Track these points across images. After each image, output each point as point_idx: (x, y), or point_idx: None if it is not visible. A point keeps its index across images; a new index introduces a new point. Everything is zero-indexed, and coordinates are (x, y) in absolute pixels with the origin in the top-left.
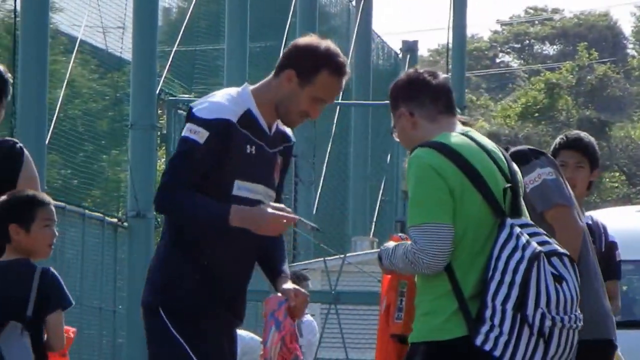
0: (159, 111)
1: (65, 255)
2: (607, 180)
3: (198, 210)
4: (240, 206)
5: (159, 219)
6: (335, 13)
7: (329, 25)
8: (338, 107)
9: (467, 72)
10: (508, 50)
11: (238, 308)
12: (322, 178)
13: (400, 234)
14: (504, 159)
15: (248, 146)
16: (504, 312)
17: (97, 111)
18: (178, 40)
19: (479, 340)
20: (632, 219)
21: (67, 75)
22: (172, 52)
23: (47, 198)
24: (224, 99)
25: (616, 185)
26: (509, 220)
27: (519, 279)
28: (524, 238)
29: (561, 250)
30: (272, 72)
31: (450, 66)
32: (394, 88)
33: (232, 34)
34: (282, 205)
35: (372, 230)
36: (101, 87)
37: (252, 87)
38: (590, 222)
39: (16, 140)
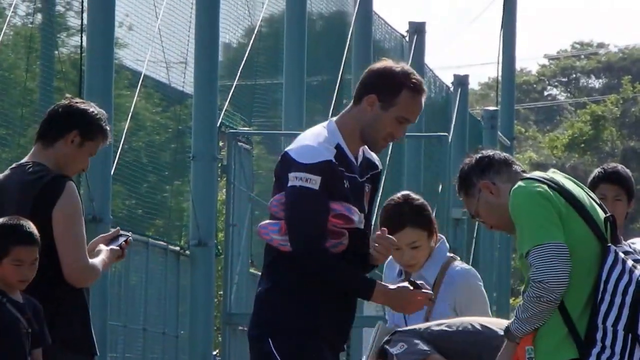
0: (220, 143)
1: (130, 281)
2: None
3: (344, 277)
4: (383, 285)
5: (219, 247)
6: (389, 48)
7: None
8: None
9: (516, 104)
10: (555, 83)
11: (341, 344)
12: (376, 208)
13: None
14: (590, 193)
15: (345, 181)
16: (615, 333)
17: (160, 143)
18: (238, 75)
19: None
20: None
21: (132, 108)
22: (233, 86)
23: (33, 238)
24: (316, 141)
25: None
26: (612, 247)
27: (629, 300)
28: (630, 262)
29: None
30: (351, 103)
31: (500, 99)
32: (463, 174)
33: (290, 69)
34: (421, 282)
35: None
36: (164, 120)
37: (335, 119)
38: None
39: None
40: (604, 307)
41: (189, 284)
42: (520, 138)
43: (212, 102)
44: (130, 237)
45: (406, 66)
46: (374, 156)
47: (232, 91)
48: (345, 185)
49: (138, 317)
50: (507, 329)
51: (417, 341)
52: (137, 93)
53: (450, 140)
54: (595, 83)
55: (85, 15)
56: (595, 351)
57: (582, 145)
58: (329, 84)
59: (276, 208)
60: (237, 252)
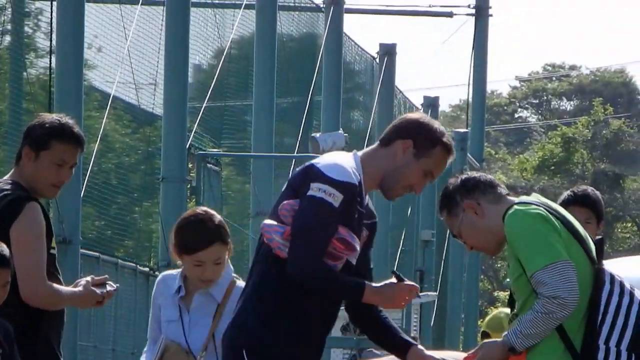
0: (189, 165)
1: None
2: (619, 230)
3: (339, 283)
4: (371, 284)
5: None
6: (360, 70)
7: (353, 82)
8: None
9: (487, 126)
10: (526, 105)
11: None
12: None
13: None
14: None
15: (357, 212)
16: (618, 353)
17: (130, 165)
18: (208, 96)
19: None
20: None
21: (101, 130)
22: (202, 108)
23: (5, 260)
24: (348, 163)
25: (628, 235)
26: (606, 269)
27: (632, 321)
28: (628, 284)
29: None
30: (377, 143)
31: (470, 121)
32: (446, 194)
33: (259, 91)
34: (406, 284)
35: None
36: (133, 141)
37: (359, 153)
38: None
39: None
40: (605, 329)
41: None
42: (490, 160)
43: (181, 123)
44: (115, 290)
45: (441, 125)
46: (372, 206)
47: (201, 113)
48: (356, 216)
49: (108, 338)
50: (508, 342)
51: None
52: (106, 114)
53: None
54: (567, 105)
55: (54, 36)
56: None
57: (552, 167)
58: (298, 106)
59: (287, 213)
60: None
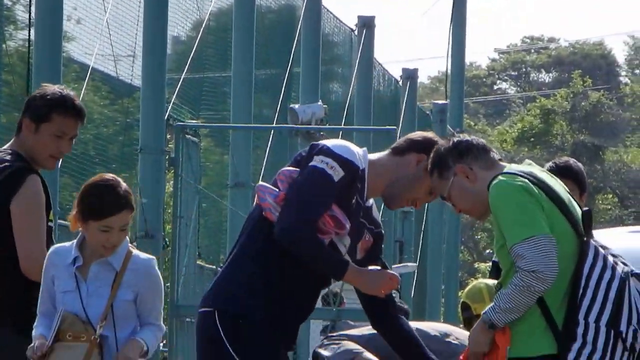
0: (168, 136)
1: None
2: (600, 202)
3: (324, 254)
4: (355, 266)
5: (167, 239)
6: (338, 42)
7: (332, 54)
8: (340, 132)
9: (466, 98)
10: (505, 77)
11: (294, 339)
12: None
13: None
14: (564, 186)
15: (354, 199)
16: (597, 328)
17: (108, 136)
18: (186, 68)
19: (571, 357)
20: (623, 239)
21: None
22: (181, 79)
23: None
24: (355, 148)
25: (609, 207)
26: (592, 242)
27: (612, 296)
28: (611, 258)
29: (638, 271)
30: (389, 151)
31: (449, 92)
32: (438, 156)
33: (238, 62)
34: (390, 272)
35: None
36: (112, 112)
37: (369, 155)
38: None
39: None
40: (586, 303)
41: None
42: (470, 131)
43: (160, 95)
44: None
45: None
46: (378, 218)
47: (180, 84)
48: (353, 202)
49: None
50: (488, 319)
51: (348, 342)
52: (85, 86)
53: (398, 133)
54: (546, 77)
55: (33, 8)
56: (576, 346)
57: (532, 139)
58: (277, 78)
59: (284, 178)
60: (185, 245)
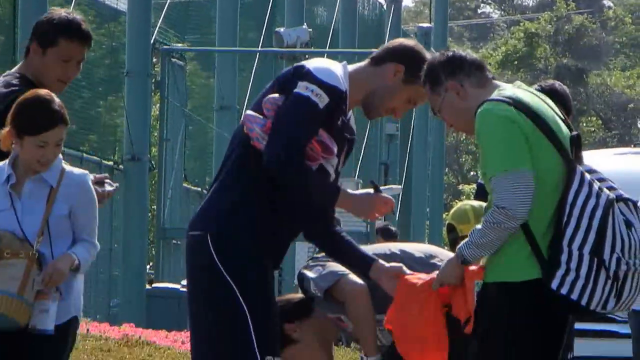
0: (154, 60)
1: None
2: (584, 125)
3: (314, 182)
4: (347, 190)
5: (153, 162)
6: None
7: None
8: (325, 56)
9: (450, 22)
10: (489, 1)
11: (282, 258)
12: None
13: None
14: (555, 107)
15: (341, 118)
16: (580, 256)
17: (95, 60)
18: None
19: (554, 284)
20: (609, 161)
21: None
22: (167, 3)
23: None
24: (337, 70)
25: (593, 129)
26: (579, 168)
27: (595, 224)
28: (596, 185)
29: (626, 196)
30: (367, 61)
31: (433, 16)
32: (431, 69)
33: None
34: (383, 195)
35: (357, 172)
36: (98, 37)
37: (349, 67)
38: None
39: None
40: (569, 230)
41: (122, 198)
42: None
43: (146, 19)
44: (115, 189)
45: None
46: (353, 123)
47: (165, 8)
48: (338, 123)
49: None
50: (460, 254)
51: (333, 264)
52: (71, 10)
53: None
54: (529, 1)
55: None
56: (559, 273)
57: (516, 62)
58: (262, 1)
59: (270, 107)
60: (171, 167)
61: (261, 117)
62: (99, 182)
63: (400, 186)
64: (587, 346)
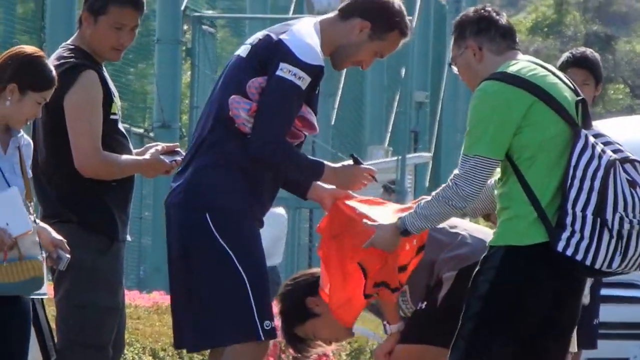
0: (185, 27)
1: None
2: (612, 92)
3: (299, 163)
4: (330, 164)
5: (183, 129)
6: None
7: None
8: None
9: None
10: None
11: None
12: (340, 90)
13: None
14: (565, 77)
15: (318, 87)
16: (584, 217)
17: None
18: None
19: (560, 246)
20: (637, 128)
21: None
22: None
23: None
24: (314, 40)
25: (620, 97)
26: (583, 132)
27: (597, 185)
28: (599, 147)
29: (633, 156)
30: (336, 13)
31: None
32: (462, 21)
33: None
34: (364, 166)
35: (387, 139)
36: None
37: (319, 21)
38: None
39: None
40: (573, 192)
41: None
42: None
43: None
44: (182, 158)
45: (402, 6)
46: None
47: None
48: (316, 92)
49: None
50: (402, 223)
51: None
52: None
53: (414, 24)
54: None
55: None
56: (565, 235)
57: (545, 29)
58: None
59: (255, 91)
60: None
61: (246, 100)
62: (170, 152)
63: (429, 154)
64: (613, 311)
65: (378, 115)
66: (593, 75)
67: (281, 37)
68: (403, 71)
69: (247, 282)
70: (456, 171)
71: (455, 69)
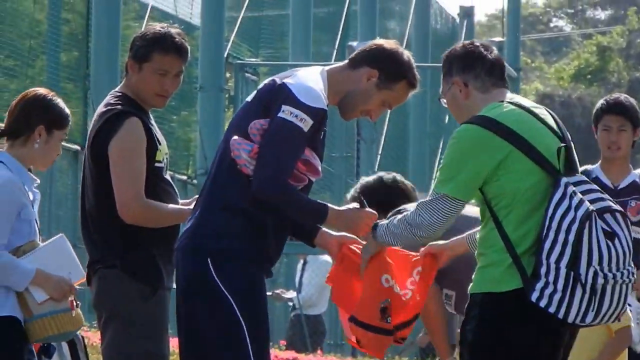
0: (227, 74)
1: None
2: None
3: (302, 206)
4: (335, 207)
5: None
6: None
7: None
8: None
9: (522, 36)
10: (561, 15)
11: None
12: (383, 137)
13: None
14: (552, 119)
15: (323, 132)
16: (557, 270)
17: None
18: (245, 6)
19: (534, 297)
20: None
21: None
22: (240, 18)
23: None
24: (318, 85)
25: None
26: (563, 180)
27: (571, 238)
28: (577, 198)
29: (614, 206)
30: (346, 62)
31: (506, 30)
32: (449, 57)
33: (296, 0)
34: (369, 210)
35: (431, 187)
36: None
37: (327, 69)
38: (638, 179)
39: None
40: (547, 244)
41: None
42: (527, 69)
43: (219, 33)
44: None
45: (411, 57)
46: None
47: (239, 22)
48: (321, 137)
49: None
50: (373, 230)
51: None
52: (144, 25)
53: None
54: (601, 14)
55: None
56: (539, 285)
57: (589, 76)
58: (335, 15)
59: (256, 132)
60: None
61: (247, 142)
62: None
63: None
64: None
65: (421, 163)
66: (630, 121)
67: (285, 80)
68: (446, 118)
69: (246, 330)
70: (425, 199)
71: (443, 103)
